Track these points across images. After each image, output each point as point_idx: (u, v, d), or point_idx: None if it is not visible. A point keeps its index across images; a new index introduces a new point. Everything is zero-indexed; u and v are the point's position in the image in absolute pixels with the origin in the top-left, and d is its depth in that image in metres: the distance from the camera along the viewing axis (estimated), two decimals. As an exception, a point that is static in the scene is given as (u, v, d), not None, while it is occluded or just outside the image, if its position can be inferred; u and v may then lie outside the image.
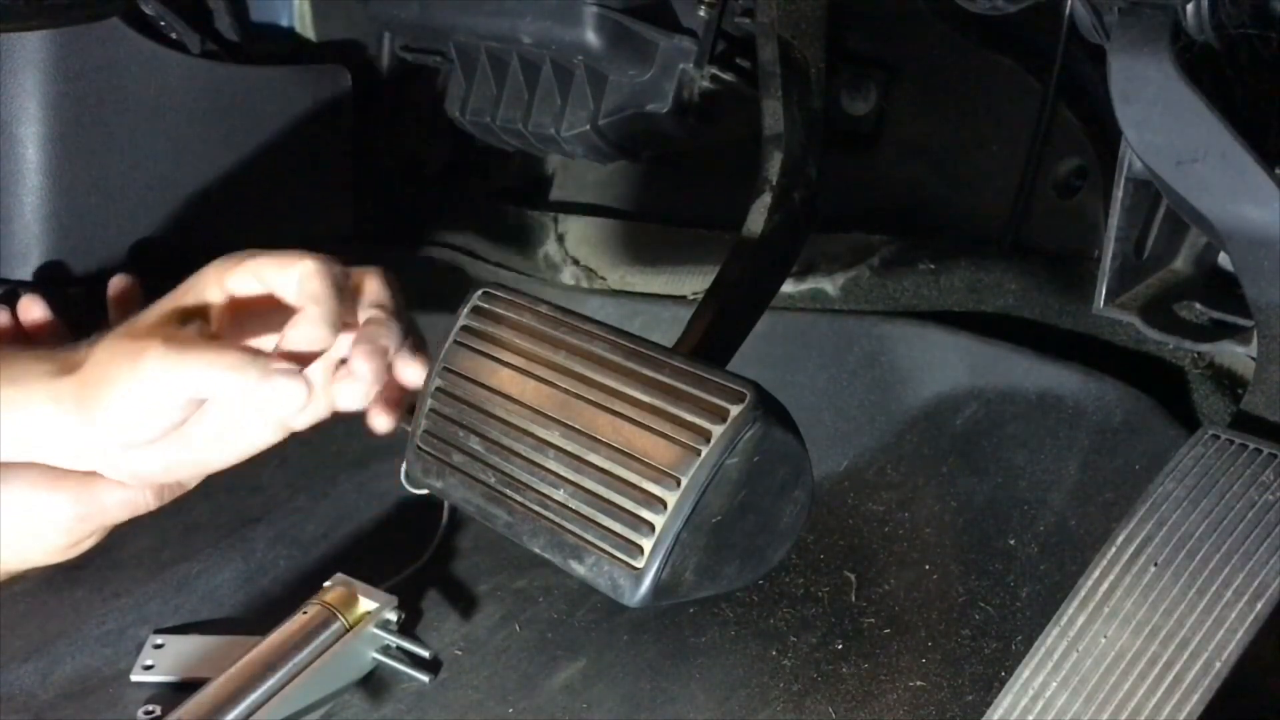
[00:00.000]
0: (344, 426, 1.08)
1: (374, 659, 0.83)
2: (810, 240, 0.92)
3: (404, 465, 0.75)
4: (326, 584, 0.85)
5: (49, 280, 1.12)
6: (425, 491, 0.73)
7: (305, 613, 0.82)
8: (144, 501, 0.78)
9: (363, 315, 0.72)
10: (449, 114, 1.18)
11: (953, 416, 0.90)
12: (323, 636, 0.81)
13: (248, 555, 0.96)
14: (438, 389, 0.71)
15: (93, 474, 0.75)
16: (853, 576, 0.83)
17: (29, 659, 0.87)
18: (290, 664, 0.79)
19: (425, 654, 0.83)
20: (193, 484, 0.79)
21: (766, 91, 0.78)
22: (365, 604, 0.84)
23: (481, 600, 0.89)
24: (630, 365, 0.65)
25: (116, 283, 1.01)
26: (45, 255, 1.12)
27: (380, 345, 0.70)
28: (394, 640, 0.83)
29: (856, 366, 0.95)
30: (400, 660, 0.83)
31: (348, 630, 0.82)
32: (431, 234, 1.28)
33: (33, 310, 0.99)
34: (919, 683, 0.76)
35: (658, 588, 0.60)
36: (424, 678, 0.82)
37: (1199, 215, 0.72)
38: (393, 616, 0.83)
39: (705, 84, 1.00)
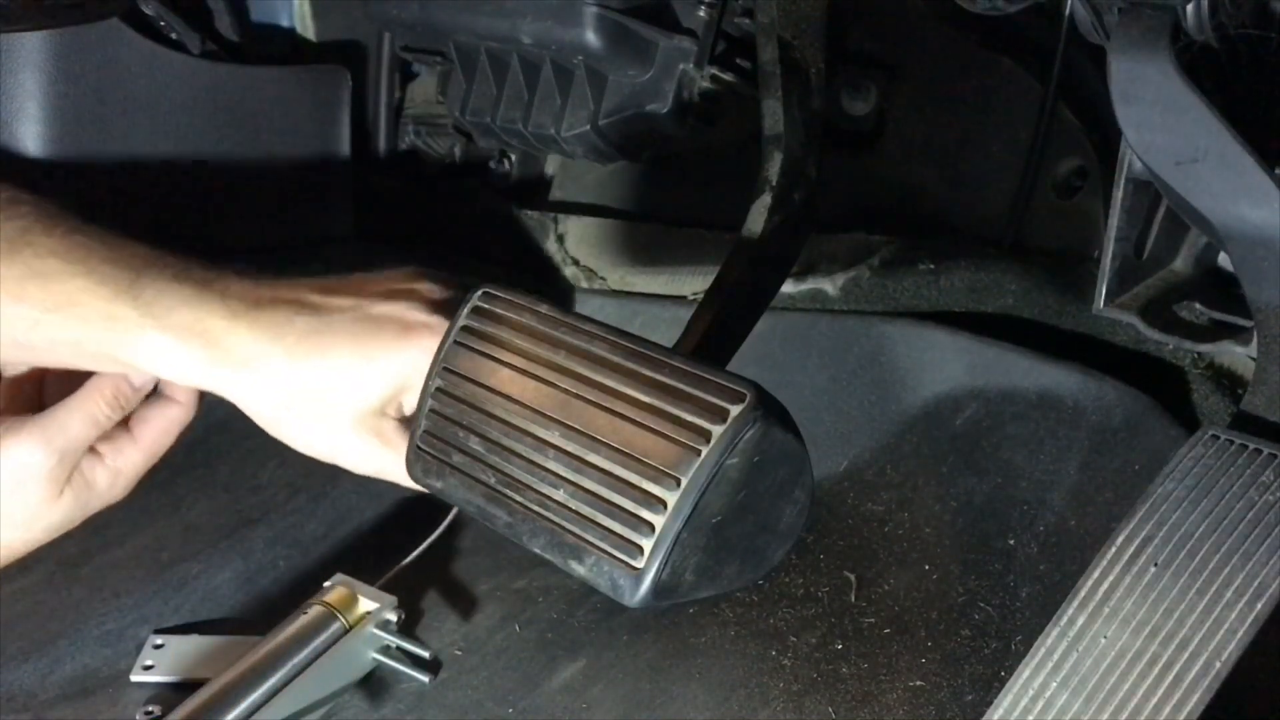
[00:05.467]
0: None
1: (374, 659, 0.83)
2: (810, 240, 0.92)
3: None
4: (326, 584, 0.85)
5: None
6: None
7: (305, 613, 0.82)
8: (104, 415, 0.79)
9: None
10: (449, 114, 1.18)
11: (953, 416, 0.90)
12: (323, 636, 0.81)
13: (247, 555, 0.96)
14: (438, 389, 0.71)
15: (42, 412, 0.76)
16: (853, 576, 0.83)
17: (29, 659, 0.87)
18: (290, 664, 0.79)
19: (425, 654, 0.83)
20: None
21: (766, 91, 0.78)
22: (365, 604, 0.84)
23: (481, 600, 0.89)
24: (630, 365, 0.65)
25: None
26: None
27: None
28: (394, 640, 0.83)
29: (856, 366, 0.95)
30: (400, 660, 0.83)
31: (347, 630, 0.82)
32: (431, 234, 1.28)
33: None
34: (919, 683, 0.76)
35: (658, 588, 0.60)
36: (424, 678, 0.82)
37: (1199, 215, 0.72)
38: (392, 616, 0.83)
39: (705, 84, 1.00)
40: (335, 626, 0.82)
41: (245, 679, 0.78)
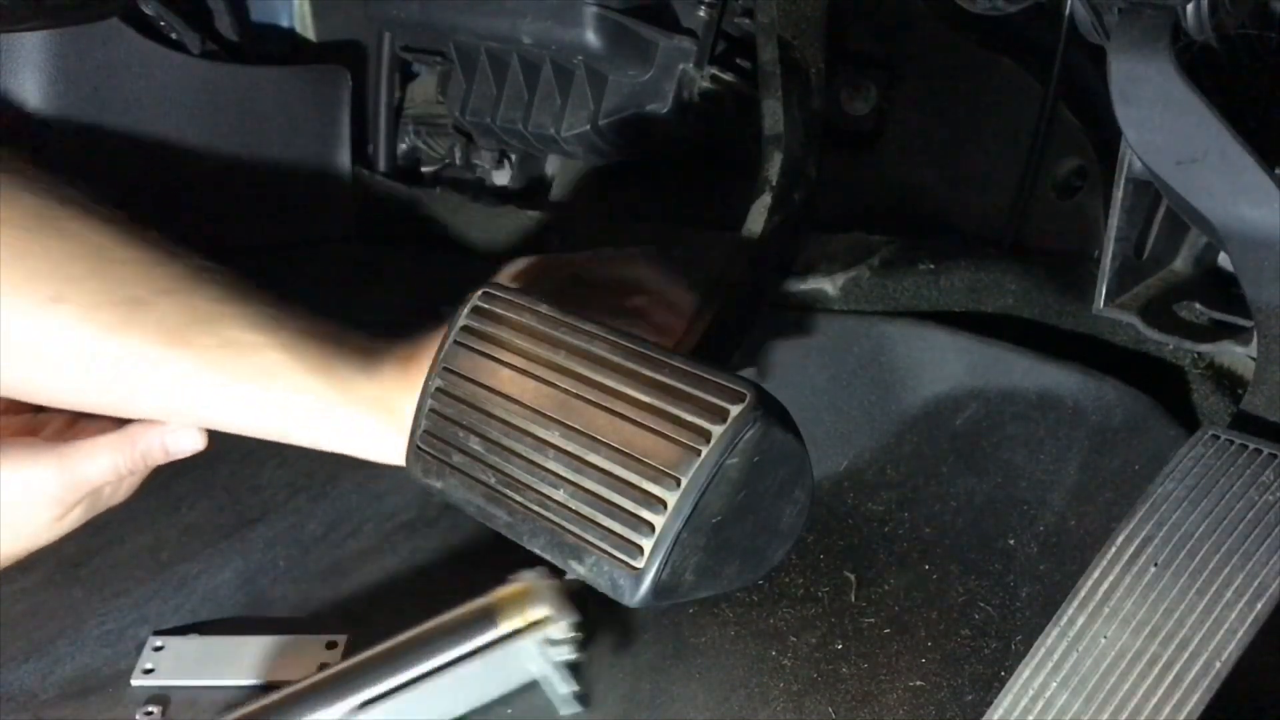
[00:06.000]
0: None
1: (531, 674, 0.77)
2: (810, 240, 0.92)
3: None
4: (516, 575, 0.79)
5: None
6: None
7: (476, 603, 0.77)
8: (127, 468, 0.79)
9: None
10: (449, 114, 1.18)
11: (953, 416, 0.90)
12: (483, 634, 0.76)
13: (247, 555, 0.96)
14: (438, 389, 0.71)
15: (70, 442, 0.76)
16: (853, 576, 0.83)
17: (29, 659, 0.87)
18: (441, 655, 0.76)
19: (574, 687, 0.78)
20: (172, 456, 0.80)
21: (766, 91, 0.78)
22: (538, 611, 0.77)
23: (482, 600, 0.89)
24: (630, 365, 0.65)
25: None
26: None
27: None
28: (553, 660, 0.77)
29: (856, 366, 0.95)
30: (555, 685, 0.77)
31: (510, 635, 0.76)
32: (431, 234, 1.28)
33: None
34: (919, 683, 0.76)
35: (658, 588, 0.60)
36: (571, 710, 0.77)
37: (1199, 215, 0.72)
38: (563, 634, 0.77)
39: (705, 84, 1.00)
40: (497, 629, 0.76)
41: (387, 658, 0.75)
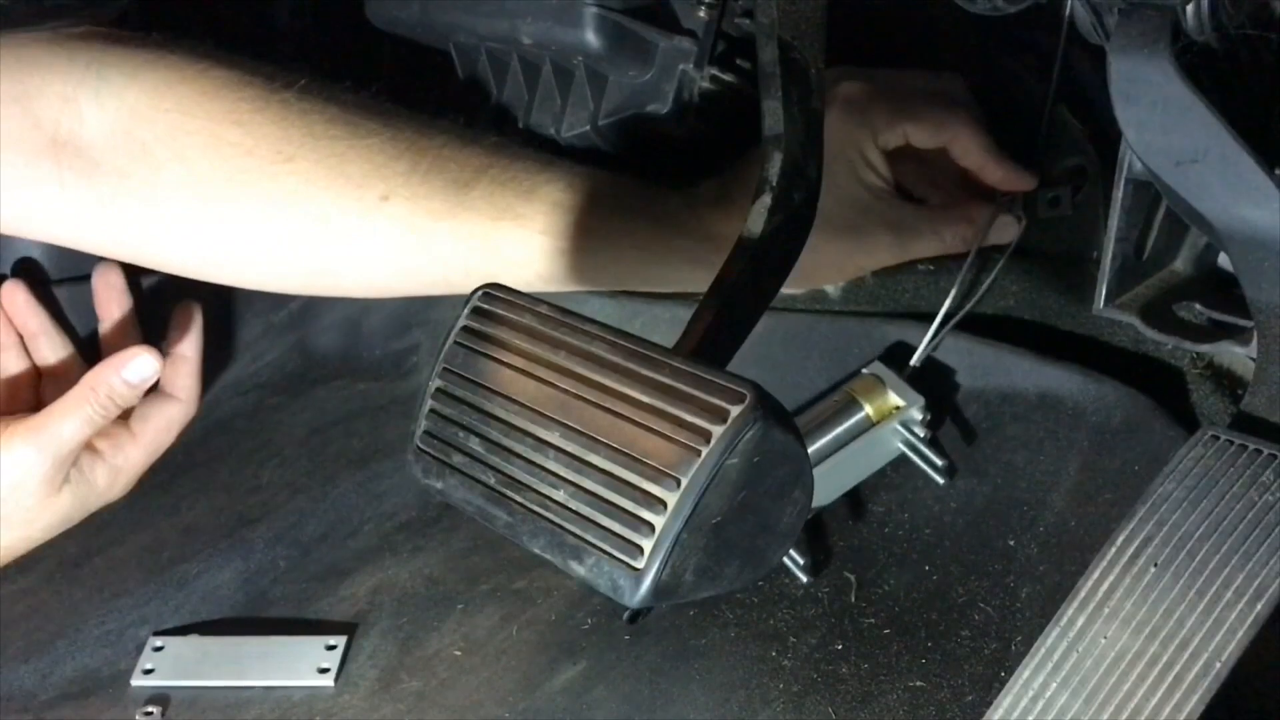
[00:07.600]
0: (343, 426, 1.09)
1: (899, 449, 0.87)
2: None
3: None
4: (865, 370, 0.89)
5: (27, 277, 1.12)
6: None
7: (836, 396, 0.88)
8: (99, 414, 0.79)
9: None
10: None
11: (953, 417, 0.90)
12: (848, 423, 0.87)
13: (247, 555, 0.96)
14: (437, 389, 0.71)
15: (36, 414, 0.77)
16: (853, 577, 0.83)
17: (29, 659, 0.87)
18: (819, 443, 0.86)
19: (940, 462, 0.85)
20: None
21: (766, 92, 0.78)
22: (893, 399, 0.87)
23: (481, 600, 0.89)
24: (630, 366, 0.65)
25: (102, 275, 1.01)
26: (19, 252, 1.10)
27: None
28: (915, 438, 0.86)
29: (856, 367, 0.95)
30: (921, 457, 0.86)
31: (874, 423, 0.86)
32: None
33: (16, 298, 0.99)
34: (919, 683, 0.76)
35: (658, 588, 0.60)
36: (940, 479, 0.85)
37: (1199, 216, 0.72)
38: (919, 416, 0.86)
39: (705, 84, 1.00)
40: (860, 416, 0.86)
41: None
